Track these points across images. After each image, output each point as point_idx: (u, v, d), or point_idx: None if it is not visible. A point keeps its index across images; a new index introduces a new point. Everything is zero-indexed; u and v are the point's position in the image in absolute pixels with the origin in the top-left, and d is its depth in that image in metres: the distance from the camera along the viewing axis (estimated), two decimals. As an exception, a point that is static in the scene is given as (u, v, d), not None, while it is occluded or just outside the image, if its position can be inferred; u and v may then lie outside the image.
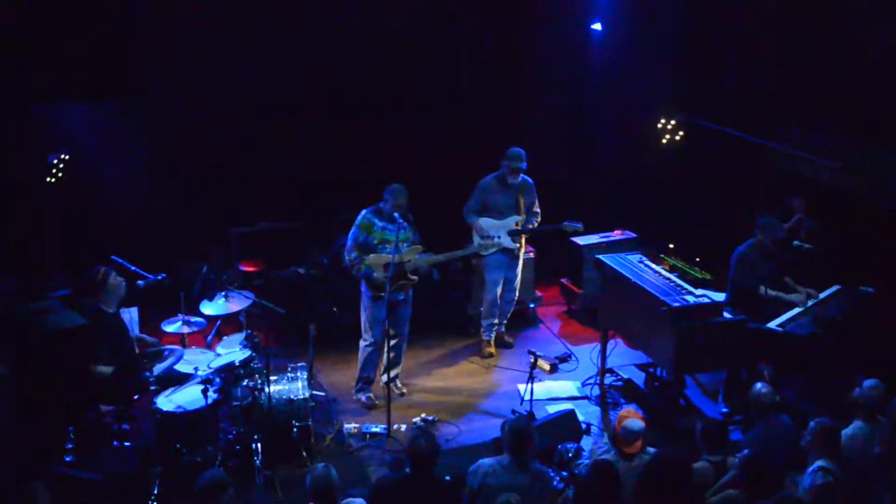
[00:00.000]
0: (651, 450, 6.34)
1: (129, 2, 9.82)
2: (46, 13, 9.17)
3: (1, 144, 9.17)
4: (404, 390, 8.88)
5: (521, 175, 9.28)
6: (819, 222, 9.43)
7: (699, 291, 7.95)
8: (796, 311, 8.22)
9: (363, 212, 8.40)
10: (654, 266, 8.56)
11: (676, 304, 7.63)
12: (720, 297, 8.27)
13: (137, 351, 7.76)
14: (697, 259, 10.38)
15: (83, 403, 7.30)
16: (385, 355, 8.52)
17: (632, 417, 6.41)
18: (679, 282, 8.12)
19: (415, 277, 8.46)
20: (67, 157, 9.42)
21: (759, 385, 6.88)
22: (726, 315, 7.84)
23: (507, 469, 6.05)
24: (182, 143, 10.66)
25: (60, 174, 9.41)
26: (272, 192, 10.90)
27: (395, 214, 8.19)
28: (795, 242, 9.02)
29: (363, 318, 8.58)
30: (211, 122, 10.63)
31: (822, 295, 8.51)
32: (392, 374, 8.69)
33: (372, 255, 8.29)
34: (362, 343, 8.62)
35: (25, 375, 6.80)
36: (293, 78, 10.82)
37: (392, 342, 8.57)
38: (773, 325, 7.99)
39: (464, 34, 11.34)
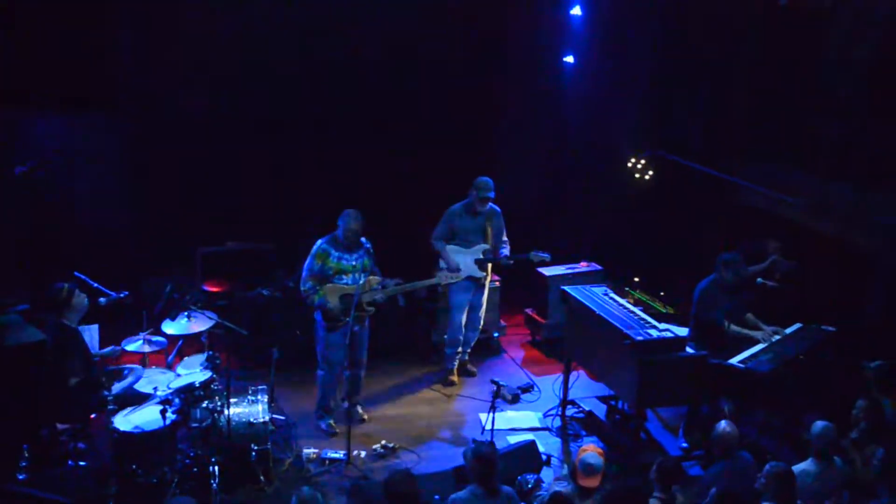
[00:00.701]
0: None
1: (106, 14, 9.81)
2: (20, 19, 9.17)
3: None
4: (365, 416, 8.86)
5: (490, 204, 9.34)
6: (797, 263, 9.41)
7: (663, 326, 7.98)
8: (759, 347, 8.28)
9: (319, 241, 8.34)
10: (618, 299, 8.60)
11: (640, 338, 7.65)
12: (683, 331, 8.31)
13: (96, 369, 7.70)
14: (661, 293, 10.46)
15: (39, 420, 7.23)
16: (344, 384, 8.52)
17: (591, 451, 6.44)
18: (643, 315, 8.16)
19: (371, 309, 8.44)
20: (33, 169, 9.35)
21: (723, 424, 6.94)
22: (689, 350, 7.88)
23: (480, 498, 6.09)
24: (151, 159, 10.62)
25: (25, 186, 9.33)
26: (240, 213, 10.88)
27: (363, 239, 8.20)
28: (759, 280, 9.12)
29: (318, 347, 8.56)
30: (181, 138, 10.60)
31: (785, 331, 8.59)
32: (353, 400, 8.69)
33: (328, 286, 8.27)
34: (319, 373, 8.60)
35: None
36: (266, 97, 10.83)
37: (350, 371, 8.57)
38: (734, 360, 8.05)
39: (436, 60, 11.38)
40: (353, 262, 8.26)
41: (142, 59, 10.35)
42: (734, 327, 8.35)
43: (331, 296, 8.24)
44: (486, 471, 6.12)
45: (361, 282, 8.23)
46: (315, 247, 8.33)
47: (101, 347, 8.34)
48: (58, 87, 9.80)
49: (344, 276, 8.26)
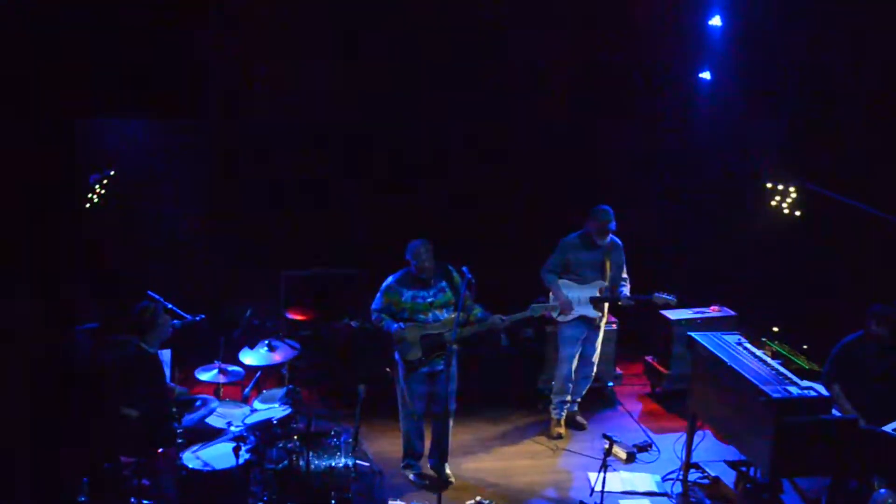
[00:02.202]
0: None
1: (195, 20, 10.05)
2: (104, 23, 9.44)
3: (39, 160, 9.38)
4: (452, 479, 8.70)
5: (610, 236, 9.25)
6: None
7: (805, 383, 7.77)
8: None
9: (389, 279, 8.36)
10: (754, 350, 8.40)
11: (777, 395, 7.45)
12: (830, 391, 8.08)
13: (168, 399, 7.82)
14: (805, 347, 10.18)
15: (103, 452, 7.36)
16: (430, 434, 8.49)
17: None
18: (782, 370, 7.96)
19: (454, 347, 8.38)
20: (108, 179, 9.61)
21: (882, 493, 6.67)
22: (835, 413, 7.64)
23: None
24: (237, 173, 10.85)
25: (99, 196, 9.59)
26: (329, 235, 11.00)
27: (450, 267, 8.17)
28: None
29: (398, 388, 8.56)
30: (270, 154, 10.81)
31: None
32: (439, 458, 8.58)
33: (410, 325, 8.25)
34: (402, 415, 8.60)
35: (45, 415, 6.87)
36: (360, 115, 10.97)
37: (434, 423, 8.52)
38: (889, 428, 7.76)
39: (545, 70, 11.38)
40: (430, 300, 8.25)
41: (234, 67, 10.57)
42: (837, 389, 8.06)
43: (410, 333, 8.23)
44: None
45: (443, 318, 8.20)
46: (384, 284, 8.35)
47: (172, 375, 8.48)
48: (141, 91, 10.06)
49: (421, 315, 8.25)
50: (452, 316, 8.30)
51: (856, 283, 10.29)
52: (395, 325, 8.22)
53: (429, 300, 8.24)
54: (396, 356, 8.42)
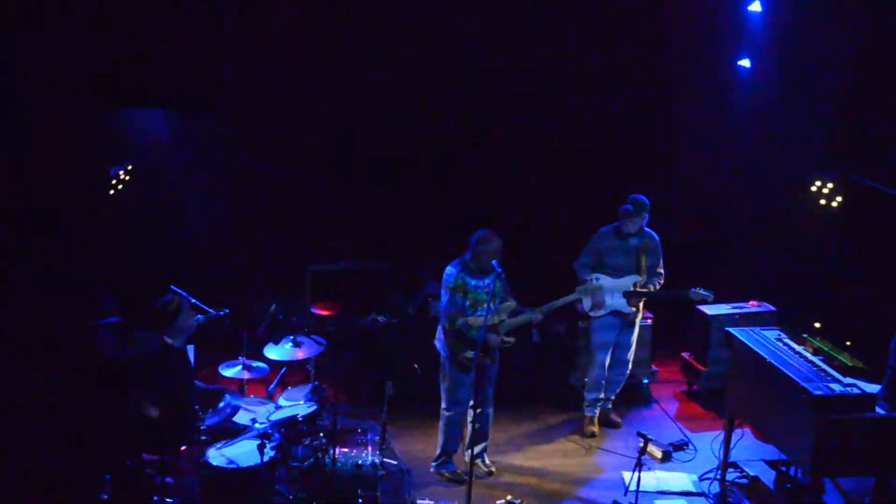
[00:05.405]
0: None
1: (225, 14, 10.13)
2: (132, 16, 9.55)
3: (60, 151, 9.48)
4: (493, 468, 8.81)
5: (645, 229, 9.24)
6: None
7: (847, 380, 7.71)
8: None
9: (452, 270, 8.33)
10: (794, 346, 8.35)
11: (819, 393, 7.40)
12: (874, 388, 8.00)
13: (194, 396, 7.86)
14: (848, 343, 10.10)
15: (125, 449, 7.42)
16: (469, 426, 8.48)
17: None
18: (824, 367, 7.90)
19: (511, 339, 8.42)
20: (130, 171, 9.67)
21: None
22: (879, 411, 7.59)
23: None
24: (263, 165, 10.90)
25: (121, 188, 9.66)
26: (356, 228, 11.04)
27: (494, 262, 8.16)
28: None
29: (443, 385, 8.57)
30: (297, 146, 10.86)
31: None
32: (477, 449, 8.60)
33: (470, 318, 8.27)
34: (442, 413, 8.61)
35: (67, 411, 6.95)
36: (390, 108, 11.01)
37: (477, 410, 8.53)
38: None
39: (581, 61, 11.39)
40: (484, 291, 8.25)
41: (263, 61, 10.64)
42: None
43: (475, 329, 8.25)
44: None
45: (494, 309, 8.21)
46: (449, 277, 8.31)
47: (195, 371, 8.52)
48: (165, 84, 10.14)
49: (480, 308, 8.26)
50: (505, 305, 8.33)
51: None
52: (478, 333, 8.05)
53: (485, 291, 8.23)
54: (441, 349, 8.43)
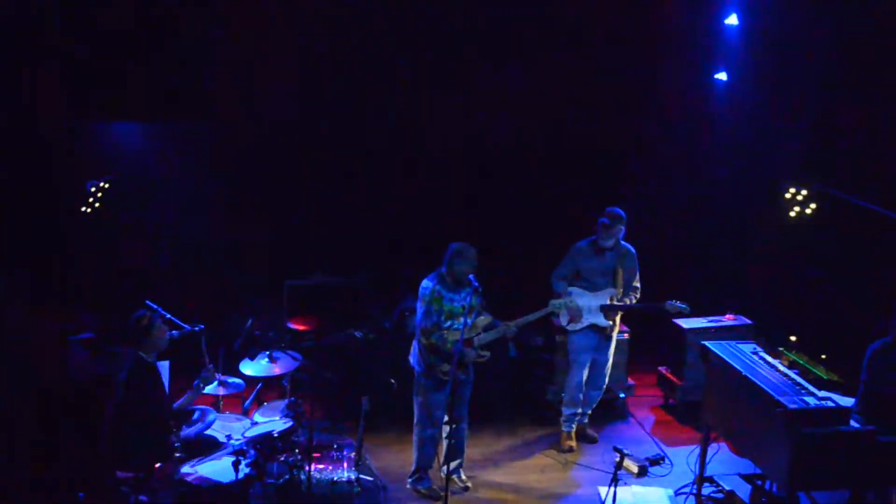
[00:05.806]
0: None
1: (201, 24, 10.12)
2: (106, 24, 9.52)
3: (36, 164, 9.45)
4: (469, 484, 8.80)
5: (622, 242, 9.27)
6: None
7: (822, 393, 7.76)
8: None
9: (428, 283, 8.33)
10: (770, 359, 8.39)
11: (794, 406, 7.43)
12: (848, 401, 8.06)
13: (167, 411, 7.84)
14: (823, 356, 10.15)
15: (99, 467, 7.39)
16: (445, 442, 8.48)
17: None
18: (799, 380, 7.94)
19: (486, 354, 8.43)
20: (106, 185, 9.65)
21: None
22: (854, 424, 7.63)
23: None
24: (238, 179, 10.89)
25: (96, 203, 9.63)
26: (332, 242, 11.03)
27: (471, 276, 8.17)
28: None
29: (416, 401, 8.56)
30: (272, 160, 10.86)
31: None
32: (453, 465, 8.59)
33: (445, 332, 8.27)
34: (416, 429, 8.60)
35: (39, 429, 6.90)
36: (366, 121, 11.04)
37: (453, 426, 8.54)
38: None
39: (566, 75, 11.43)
40: (460, 304, 8.26)
41: (239, 72, 10.63)
42: None
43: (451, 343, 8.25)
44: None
45: (469, 324, 8.22)
46: (425, 290, 8.31)
47: (170, 386, 8.51)
48: (142, 93, 10.12)
49: (455, 322, 8.26)
50: (481, 319, 8.35)
51: (877, 291, 10.28)
52: (455, 346, 8.09)
53: (460, 304, 8.23)
54: (415, 364, 8.43)
